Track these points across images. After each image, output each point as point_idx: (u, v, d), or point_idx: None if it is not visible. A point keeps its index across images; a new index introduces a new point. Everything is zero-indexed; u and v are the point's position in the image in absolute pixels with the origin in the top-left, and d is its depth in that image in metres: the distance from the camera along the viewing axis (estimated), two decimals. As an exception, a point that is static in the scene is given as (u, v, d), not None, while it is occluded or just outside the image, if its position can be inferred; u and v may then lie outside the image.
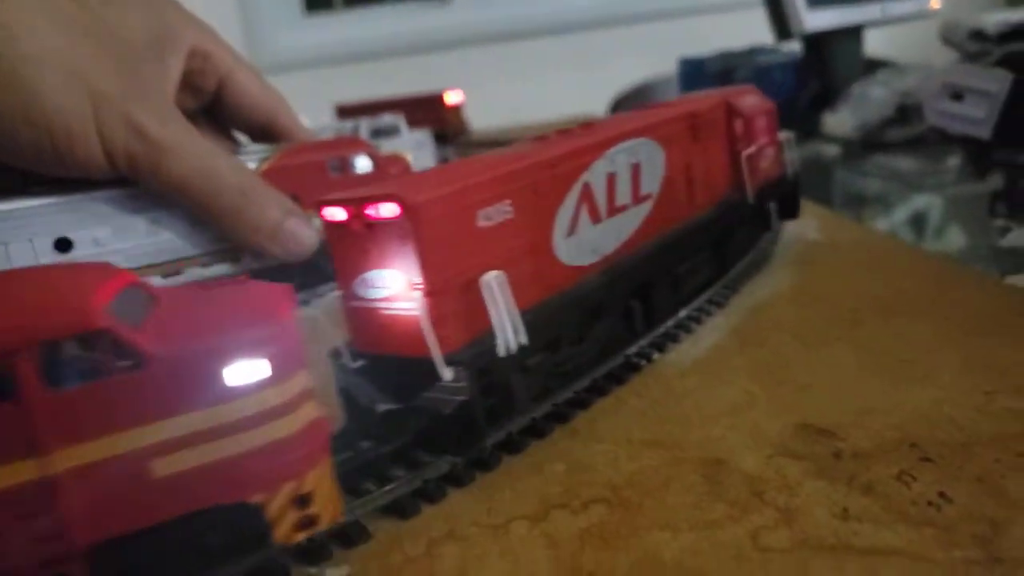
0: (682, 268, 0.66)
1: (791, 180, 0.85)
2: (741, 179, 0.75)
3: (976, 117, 1.17)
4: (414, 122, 1.46)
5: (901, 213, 1.16)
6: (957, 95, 1.20)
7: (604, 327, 0.57)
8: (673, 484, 0.44)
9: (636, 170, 0.61)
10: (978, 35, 1.18)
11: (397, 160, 0.81)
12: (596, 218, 0.57)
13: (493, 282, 0.46)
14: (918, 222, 1.11)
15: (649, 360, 0.59)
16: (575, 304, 0.54)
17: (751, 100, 0.79)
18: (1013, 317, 0.60)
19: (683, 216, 0.67)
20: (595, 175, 0.57)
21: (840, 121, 1.65)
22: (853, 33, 1.69)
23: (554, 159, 0.53)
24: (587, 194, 0.56)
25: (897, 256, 0.80)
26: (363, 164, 0.73)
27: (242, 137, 0.78)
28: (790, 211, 0.86)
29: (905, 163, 1.54)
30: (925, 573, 0.35)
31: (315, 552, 0.41)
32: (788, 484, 0.42)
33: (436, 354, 0.43)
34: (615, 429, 0.51)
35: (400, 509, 0.44)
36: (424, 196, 0.44)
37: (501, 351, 0.46)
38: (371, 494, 0.44)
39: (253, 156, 0.64)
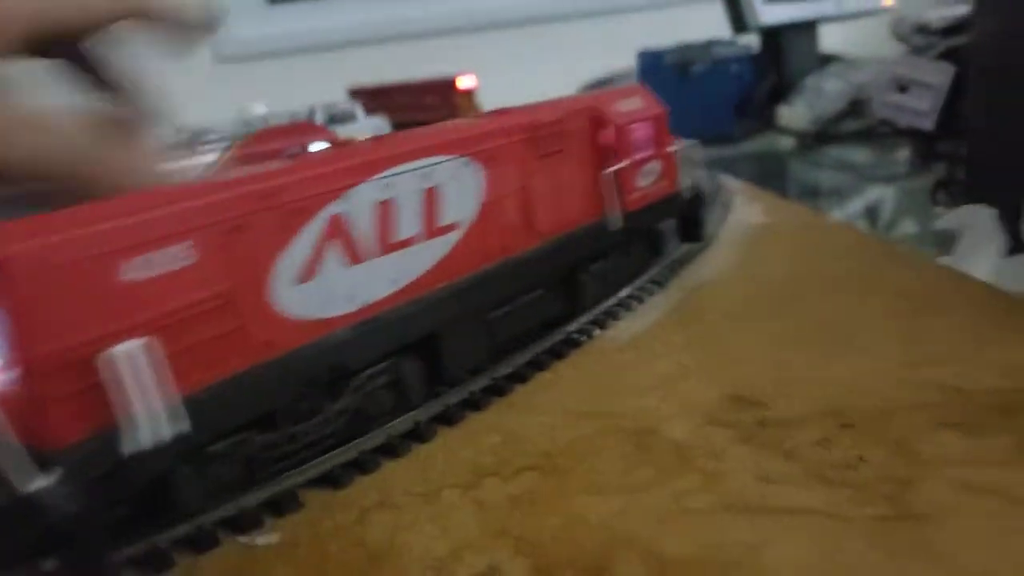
0: (500, 312, 0.56)
1: (690, 198, 0.75)
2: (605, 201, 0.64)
3: (920, 109, 1.19)
4: (426, 107, 1.48)
5: (855, 204, 1.18)
6: (903, 87, 1.22)
7: (356, 394, 0.47)
8: (605, 452, 0.45)
9: (431, 195, 0.51)
10: (923, 29, 1.20)
11: None
12: (355, 257, 0.46)
13: (122, 356, 0.35)
14: (871, 213, 1.13)
15: (590, 336, 0.60)
16: (301, 369, 0.43)
17: (629, 105, 0.67)
18: (940, 294, 0.61)
19: (515, 248, 0.56)
20: (354, 204, 0.46)
21: (795, 114, 1.68)
22: (808, 28, 1.72)
23: (273, 189, 0.42)
24: (338, 229, 0.45)
25: (837, 237, 0.83)
26: None
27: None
28: (692, 234, 0.76)
29: (858, 155, 1.57)
30: (838, 530, 0.36)
31: (246, 520, 0.41)
32: (714, 451, 0.43)
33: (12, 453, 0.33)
34: (552, 401, 0.51)
35: (334, 480, 0.44)
36: (22, 245, 0.33)
37: (139, 442, 0.35)
38: (304, 465, 0.44)
39: (215, 146, 0.64)
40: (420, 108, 1.62)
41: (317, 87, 1.42)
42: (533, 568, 0.36)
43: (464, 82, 1.69)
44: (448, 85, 1.68)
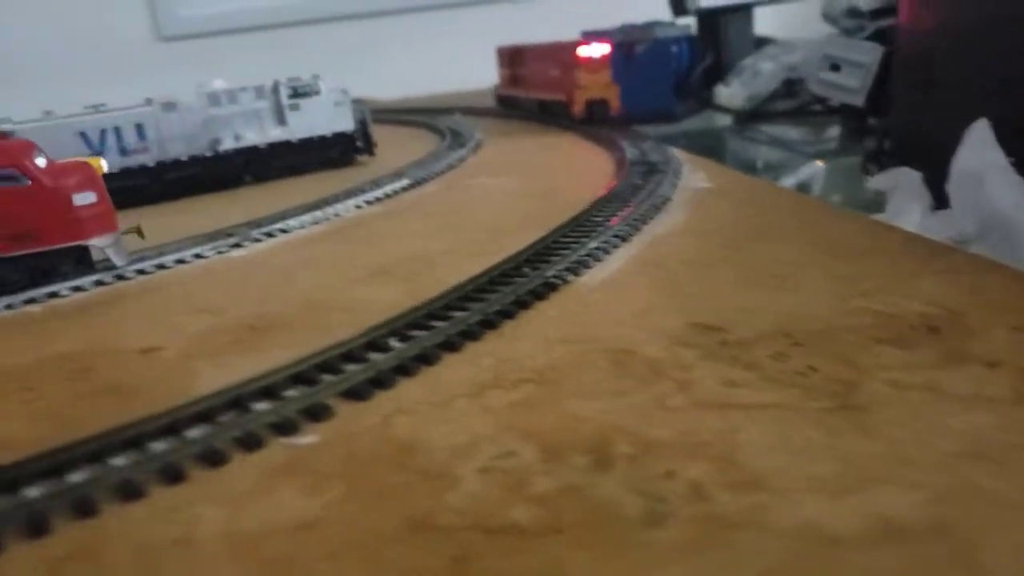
0: None
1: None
2: None
3: (851, 86, 1.28)
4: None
5: (789, 179, 1.26)
6: (835, 66, 1.32)
7: None
8: (587, 368, 0.51)
9: None
10: (853, 12, 1.29)
11: (75, 170, 0.81)
12: None
13: None
14: (804, 187, 1.22)
15: (564, 281, 0.67)
16: None
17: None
18: (871, 242, 0.70)
19: None
20: None
21: (732, 93, 1.76)
22: (744, 11, 1.80)
23: None
24: None
25: (772, 197, 0.91)
26: (10, 177, 0.76)
27: None
28: None
29: (791, 133, 1.66)
30: (792, 417, 0.43)
31: (286, 425, 0.47)
32: (683, 365, 0.50)
33: None
34: (536, 332, 0.58)
35: (357, 394, 0.50)
36: None
37: None
38: (330, 380, 0.51)
39: None
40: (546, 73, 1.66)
41: (254, 66, 1.45)
42: (542, 450, 0.42)
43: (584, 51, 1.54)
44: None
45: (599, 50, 1.50)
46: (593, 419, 0.45)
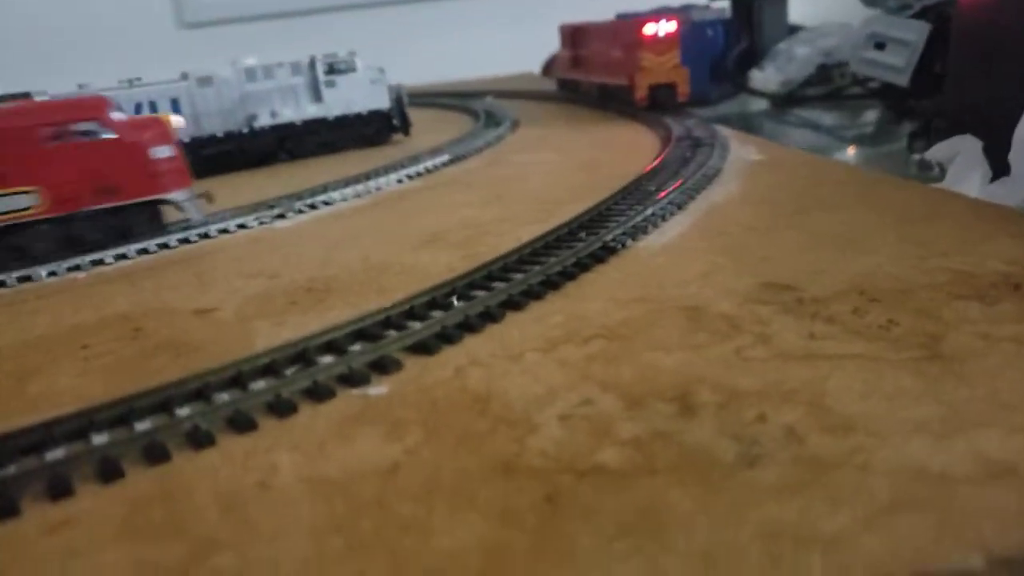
0: None
1: None
2: None
3: (896, 65, 1.26)
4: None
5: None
6: (880, 44, 1.29)
7: None
8: (659, 324, 0.50)
9: None
10: (900, -10, 1.27)
11: (151, 125, 0.82)
12: None
13: None
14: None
15: (623, 246, 0.66)
16: None
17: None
18: (935, 208, 0.68)
19: None
20: None
21: (766, 78, 1.74)
22: (779, -5, 1.78)
23: None
24: None
25: (829, 168, 0.89)
26: (94, 131, 0.76)
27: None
28: None
29: (827, 117, 1.64)
30: (882, 367, 0.42)
31: (356, 377, 0.46)
32: (760, 319, 0.49)
33: None
34: (601, 292, 0.57)
35: (424, 348, 0.49)
36: None
37: None
38: (395, 336, 0.50)
39: None
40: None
41: (279, 55, 1.44)
42: (622, 399, 0.41)
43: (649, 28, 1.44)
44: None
45: (666, 28, 1.38)
46: (673, 370, 0.44)
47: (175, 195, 0.82)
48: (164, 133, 0.82)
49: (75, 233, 0.79)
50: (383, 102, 1.32)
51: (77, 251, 0.78)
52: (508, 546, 0.31)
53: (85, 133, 0.77)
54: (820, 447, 0.35)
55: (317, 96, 1.27)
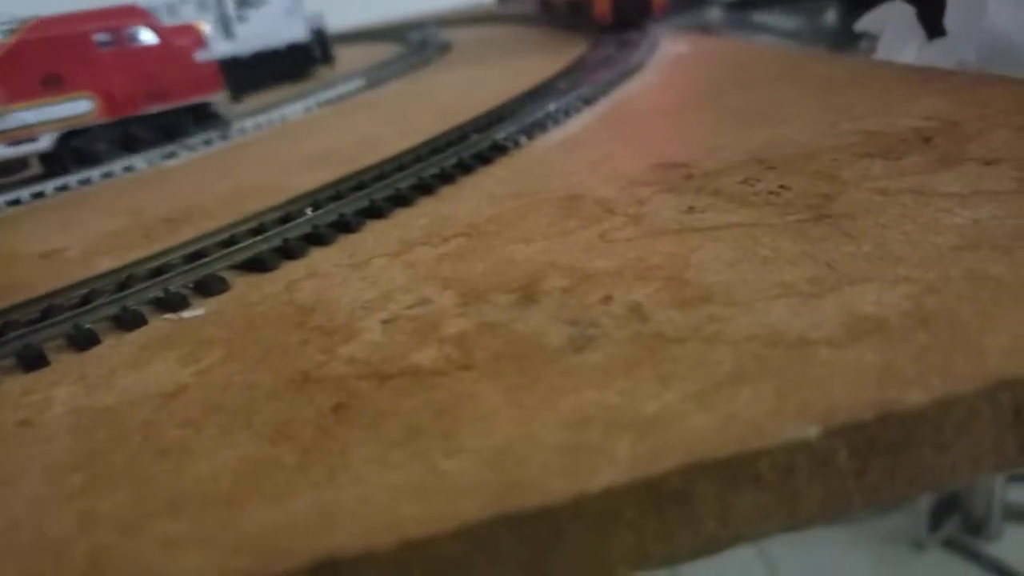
0: None
1: None
2: None
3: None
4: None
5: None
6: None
7: None
8: (529, 216, 0.44)
9: None
10: None
11: (189, 31, 0.82)
12: None
13: None
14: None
15: (516, 144, 0.60)
16: None
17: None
18: (860, 76, 0.62)
19: None
20: None
21: (722, -16, 1.66)
22: None
23: None
24: None
25: (761, 52, 0.83)
26: (143, 37, 0.74)
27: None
28: None
29: (786, 21, 1.57)
30: (760, 232, 0.36)
31: (171, 301, 0.40)
32: (638, 200, 0.43)
33: None
34: (479, 190, 0.51)
35: (260, 265, 0.43)
36: None
37: None
38: (224, 253, 0.44)
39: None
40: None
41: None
42: (461, 295, 0.35)
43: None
44: None
45: None
46: (529, 260, 0.38)
47: (215, 98, 0.84)
48: (201, 39, 0.81)
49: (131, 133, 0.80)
50: (301, 33, 1.24)
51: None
52: (273, 463, 0.26)
53: (136, 38, 0.76)
54: (665, 323, 0.29)
55: (228, 32, 1.20)
